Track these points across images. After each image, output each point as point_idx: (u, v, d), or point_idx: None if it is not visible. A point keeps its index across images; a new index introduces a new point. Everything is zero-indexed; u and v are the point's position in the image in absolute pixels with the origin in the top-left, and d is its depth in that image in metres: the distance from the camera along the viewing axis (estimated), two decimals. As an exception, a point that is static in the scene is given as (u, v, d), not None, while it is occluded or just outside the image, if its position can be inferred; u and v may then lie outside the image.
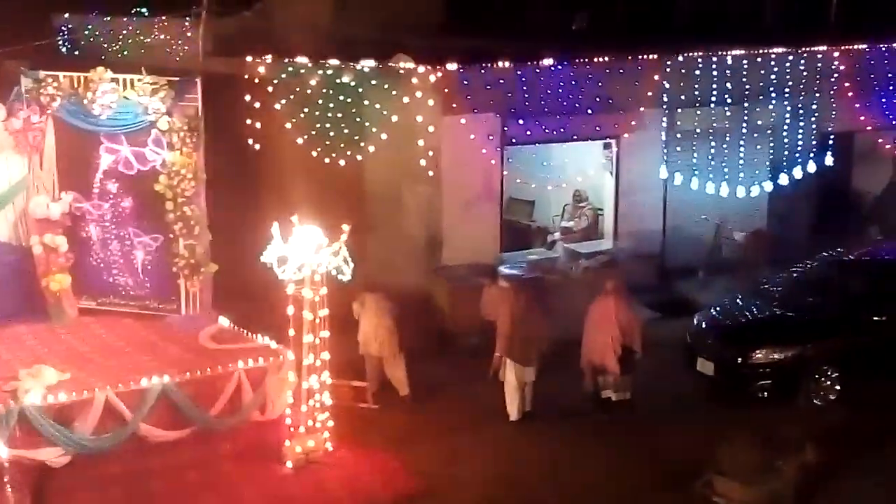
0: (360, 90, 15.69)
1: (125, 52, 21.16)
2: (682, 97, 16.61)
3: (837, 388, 13.11)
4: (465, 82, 15.33)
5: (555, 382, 12.94)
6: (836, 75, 17.45)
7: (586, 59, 16.04)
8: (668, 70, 16.43)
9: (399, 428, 12.38)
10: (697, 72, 16.61)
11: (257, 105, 16.68)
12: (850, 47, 17.57)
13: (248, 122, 16.69)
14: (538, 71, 15.77)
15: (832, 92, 17.48)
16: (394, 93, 15.29)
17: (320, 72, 16.14)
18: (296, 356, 11.46)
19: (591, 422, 12.55)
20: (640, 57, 16.35)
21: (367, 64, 15.62)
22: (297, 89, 16.37)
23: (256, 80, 16.82)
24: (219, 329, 12.57)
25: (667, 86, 16.47)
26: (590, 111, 16.05)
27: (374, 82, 15.53)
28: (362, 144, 15.60)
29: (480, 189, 15.77)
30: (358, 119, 15.75)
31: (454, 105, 15.22)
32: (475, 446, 12.00)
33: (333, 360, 11.71)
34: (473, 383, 13.18)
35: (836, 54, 17.43)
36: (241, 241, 13.01)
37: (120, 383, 10.73)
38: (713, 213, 17.31)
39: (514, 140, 15.94)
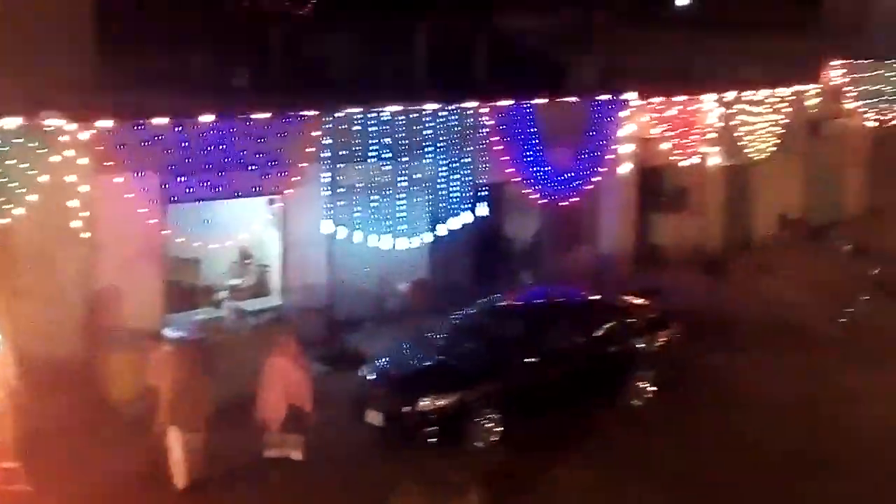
0: (5, 149, 14.75)
1: None
2: (343, 153, 16.94)
3: (498, 429, 13.72)
4: (120, 140, 14.84)
5: (226, 445, 12.66)
6: (485, 130, 18.45)
7: (247, 116, 16.01)
8: (328, 126, 16.72)
9: (56, 508, 11.64)
10: (356, 128, 17.00)
11: None
12: (497, 104, 18.64)
13: None
14: (198, 127, 15.54)
15: (483, 146, 18.45)
16: (43, 151, 14.50)
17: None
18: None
19: (263, 484, 12.37)
20: (300, 114, 16.52)
21: (12, 121, 14.72)
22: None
23: None
24: None
25: (328, 142, 16.74)
26: (253, 168, 16.00)
27: (19, 140, 14.65)
28: (9, 207, 14.64)
29: (141, 249, 15.25)
30: (4, 179, 14.78)
31: (109, 163, 14.67)
32: (141, 520, 11.50)
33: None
34: (138, 452, 12.63)
35: (485, 110, 18.44)
36: None
37: None
38: (377, 266, 17.73)
39: (175, 198, 15.57)
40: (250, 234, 17.08)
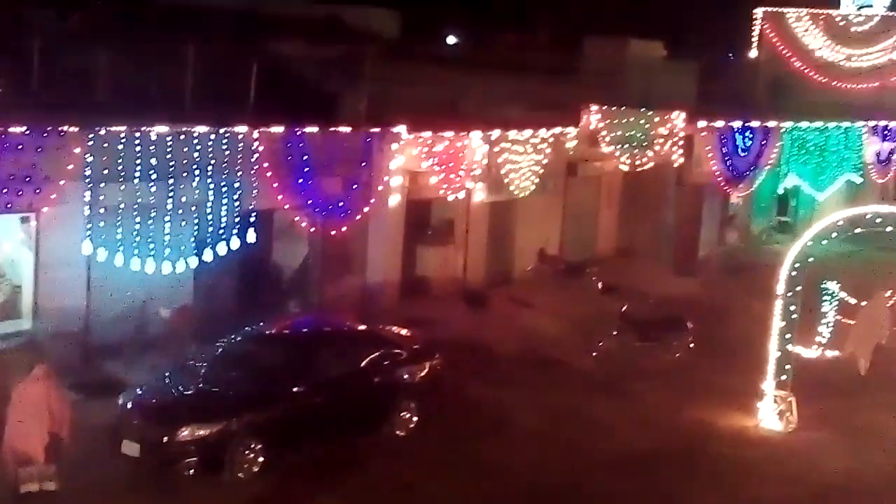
0: None
1: None
2: (106, 171, 16.33)
3: (261, 460, 13.53)
4: None
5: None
6: (256, 155, 18.25)
7: (1, 129, 15.17)
8: (90, 144, 16.08)
9: None
10: (121, 147, 16.44)
11: None
12: (269, 129, 18.49)
13: None
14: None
15: (253, 171, 18.24)
16: None
17: None
18: None
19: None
20: (60, 129, 15.81)
21: None
22: None
23: None
24: None
25: (90, 160, 16.10)
26: (5, 184, 15.17)
27: None
28: None
29: None
30: None
31: None
32: None
33: None
34: None
35: (256, 135, 18.26)
36: None
37: None
38: (140, 290, 17.15)
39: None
40: (1, 252, 16.14)
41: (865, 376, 18.76)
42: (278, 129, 18.59)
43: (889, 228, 16.01)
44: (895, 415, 17.20)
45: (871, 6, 42.26)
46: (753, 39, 42.93)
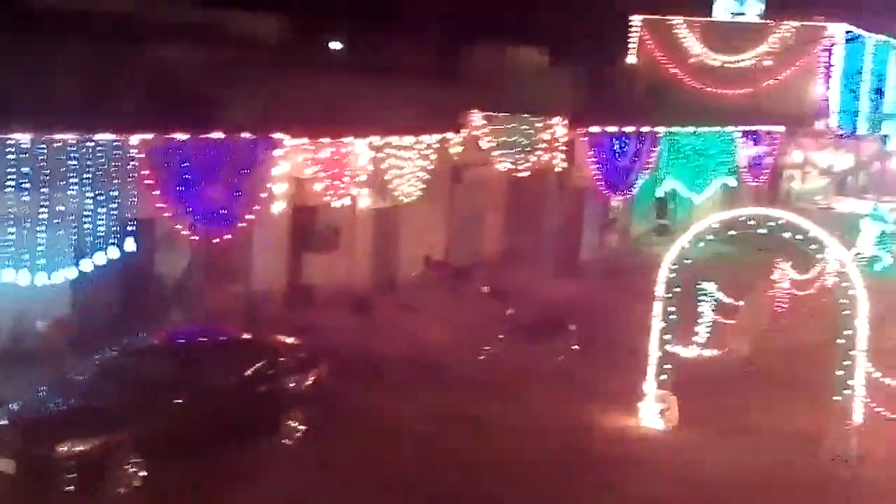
0: None
1: None
2: (-24, 180, 15.80)
3: (143, 474, 13.26)
4: None
5: None
6: (134, 163, 17.84)
7: None
8: (-41, 152, 15.53)
9: None
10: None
11: None
12: (147, 137, 18.10)
13: None
14: None
15: (131, 179, 17.82)
16: None
17: None
18: None
19: None
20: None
21: None
22: None
23: None
24: None
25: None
26: None
27: None
28: None
29: None
30: None
31: None
32: None
33: None
34: None
35: (134, 142, 17.86)
36: None
37: None
38: (14, 301, 16.61)
39: None
40: None
41: (744, 374, 19.38)
42: (157, 136, 18.22)
43: (762, 230, 16.54)
44: (772, 412, 17.75)
45: (743, 14, 43.72)
46: (632, 46, 43.89)
